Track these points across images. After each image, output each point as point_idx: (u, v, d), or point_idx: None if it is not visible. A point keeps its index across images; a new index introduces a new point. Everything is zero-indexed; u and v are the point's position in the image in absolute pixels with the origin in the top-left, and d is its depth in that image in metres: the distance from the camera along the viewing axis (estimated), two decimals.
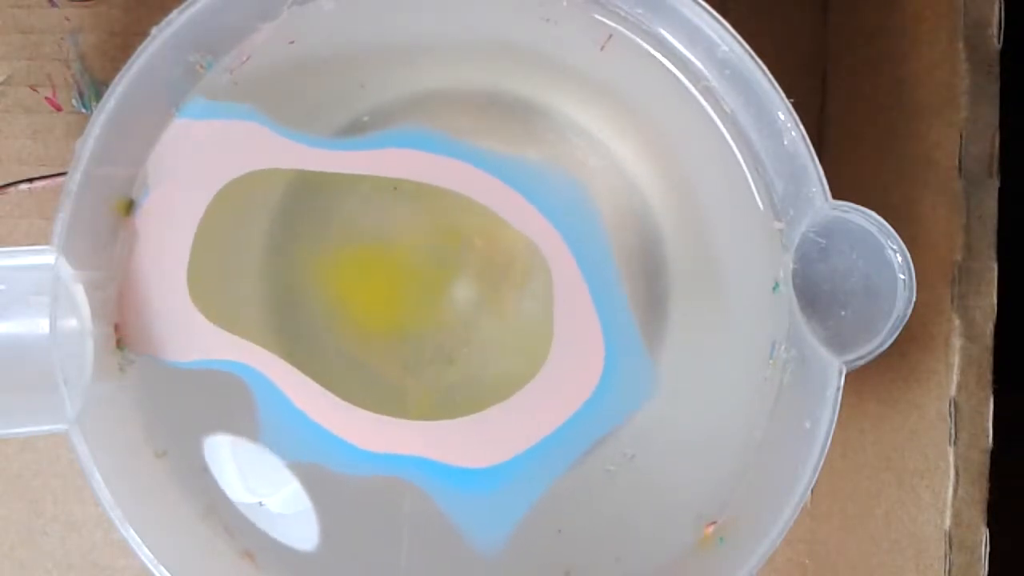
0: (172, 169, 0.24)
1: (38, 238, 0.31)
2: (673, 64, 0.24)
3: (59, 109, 0.31)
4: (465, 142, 0.25)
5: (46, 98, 0.31)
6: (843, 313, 0.21)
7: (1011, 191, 0.24)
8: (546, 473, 0.25)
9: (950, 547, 0.24)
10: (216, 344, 0.25)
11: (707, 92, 0.23)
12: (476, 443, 0.25)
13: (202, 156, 0.24)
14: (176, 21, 0.22)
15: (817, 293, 0.22)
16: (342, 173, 0.25)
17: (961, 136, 0.23)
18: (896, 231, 0.21)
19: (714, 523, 0.24)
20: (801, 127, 0.22)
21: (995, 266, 0.23)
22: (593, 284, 0.25)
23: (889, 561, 0.26)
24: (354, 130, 0.25)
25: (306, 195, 0.25)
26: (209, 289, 0.25)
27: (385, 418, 0.25)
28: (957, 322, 0.23)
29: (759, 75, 0.22)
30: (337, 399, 0.25)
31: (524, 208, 0.25)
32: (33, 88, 0.31)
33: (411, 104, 0.25)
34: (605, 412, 0.25)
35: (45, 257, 0.22)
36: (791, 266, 0.22)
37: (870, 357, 0.21)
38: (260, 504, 0.25)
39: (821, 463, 0.22)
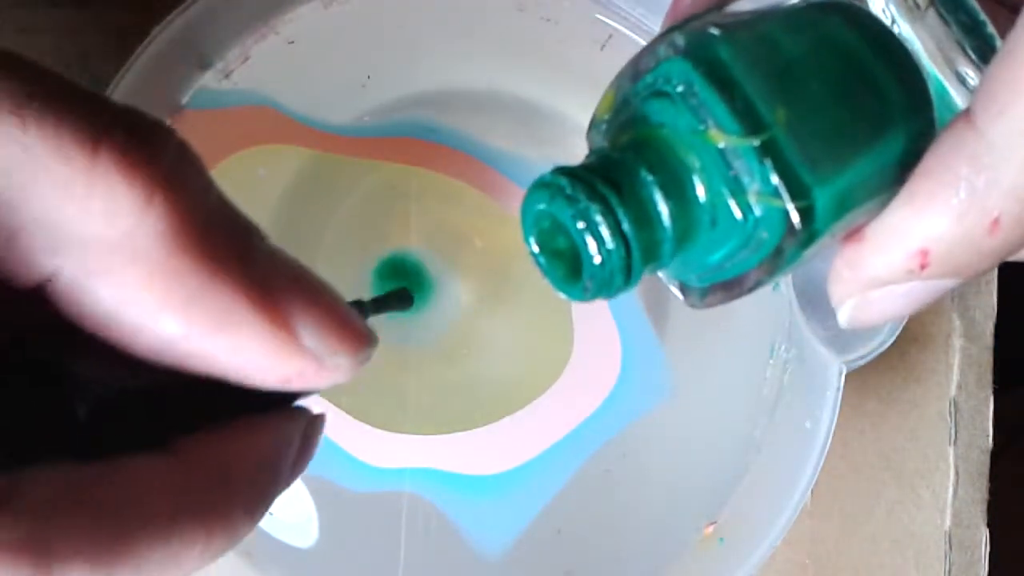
0: None
1: None
2: None
3: None
4: (468, 137, 0.25)
5: None
6: None
7: None
8: (557, 476, 0.25)
9: (950, 547, 0.24)
10: None
11: None
12: (488, 450, 0.25)
13: (207, 144, 0.24)
14: (176, 22, 0.22)
15: (817, 293, 0.22)
16: (345, 161, 0.25)
17: None
18: None
19: (714, 523, 0.24)
20: None
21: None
22: None
23: (889, 561, 0.26)
24: (357, 126, 0.25)
25: (302, 198, 0.25)
26: None
27: (393, 433, 0.25)
28: (957, 322, 0.23)
29: None
30: (343, 413, 0.25)
31: None
32: None
33: (412, 103, 0.25)
34: (620, 412, 0.25)
35: None
36: None
37: (870, 357, 0.21)
38: (270, 514, 0.25)
39: (821, 463, 0.22)
